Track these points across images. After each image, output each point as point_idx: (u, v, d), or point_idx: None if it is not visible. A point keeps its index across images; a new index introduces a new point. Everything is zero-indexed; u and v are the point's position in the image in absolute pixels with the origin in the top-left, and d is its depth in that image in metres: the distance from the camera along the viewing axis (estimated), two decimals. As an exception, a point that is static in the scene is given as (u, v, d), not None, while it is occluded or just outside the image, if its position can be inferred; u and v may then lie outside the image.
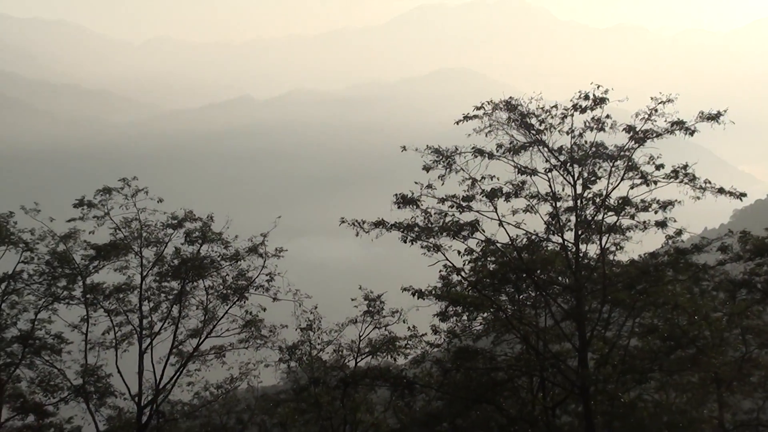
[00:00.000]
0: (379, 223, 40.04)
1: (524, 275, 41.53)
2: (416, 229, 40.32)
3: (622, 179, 44.95)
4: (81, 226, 45.84)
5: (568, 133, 45.17)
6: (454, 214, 40.84)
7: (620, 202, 44.45)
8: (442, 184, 45.24)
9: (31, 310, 48.47)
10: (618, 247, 47.39)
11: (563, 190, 45.25)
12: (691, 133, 43.47)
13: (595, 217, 44.84)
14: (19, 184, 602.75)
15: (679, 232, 44.31)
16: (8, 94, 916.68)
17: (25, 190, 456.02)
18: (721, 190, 42.65)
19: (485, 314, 44.10)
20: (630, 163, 44.35)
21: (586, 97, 44.54)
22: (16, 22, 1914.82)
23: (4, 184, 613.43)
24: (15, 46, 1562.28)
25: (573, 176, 44.46)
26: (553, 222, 44.87)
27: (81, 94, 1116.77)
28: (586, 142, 44.86)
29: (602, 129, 45.10)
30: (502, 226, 39.47)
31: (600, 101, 44.03)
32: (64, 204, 46.51)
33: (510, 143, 39.94)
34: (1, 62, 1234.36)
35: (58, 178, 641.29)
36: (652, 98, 44.04)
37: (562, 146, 44.82)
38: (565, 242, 45.25)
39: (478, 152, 39.13)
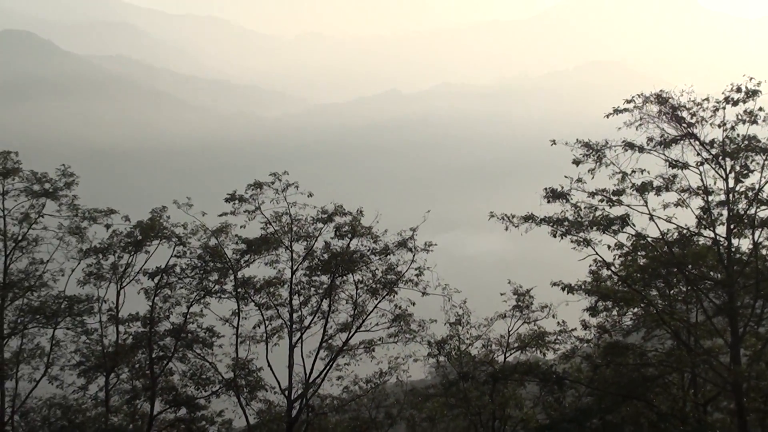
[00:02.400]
0: (529, 218, 48.41)
1: (675, 270, 49.62)
2: (566, 223, 49.36)
3: (777, 172, 49.24)
4: (232, 221, 55.01)
5: (719, 126, 50.68)
6: (604, 209, 49.12)
7: (775, 195, 49.37)
8: (592, 178, 54.14)
9: (183, 303, 64.66)
10: (772, 242, 51.61)
11: (715, 183, 51.42)
12: None
13: (748, 211, 51.04)
14: (171, 178, 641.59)
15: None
16: (161, 89, 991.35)
17: (177, 184, 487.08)
18: None
19: (635, 309, 52.09)
20: (785, 156, 48.73)
21: (738, 90, 50.00)
22: (169, 18, 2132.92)
23: (156, 178, 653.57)
24: (167, 42, 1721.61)
25: (725, 170, 50.54)
26: (705, 216, 53.09)
27: (232, 89, 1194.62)
28: (738, 135, 50.44)
29: (755, 122, 50.49)
30: (653, 220, 47.82)
31: (752, 93, 49.90)
32: (216, 198, 55.40)
33: (661, 137, 47.83)
34: (154, 58, 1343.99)
35: (209, 172, 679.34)
36: (808, 91, 49.43)
37: (713, 139, 51.09)
38: (717, 237, 51.95)
39: (629, 146, 47.04)
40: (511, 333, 59.79)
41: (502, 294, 59.90)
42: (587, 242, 52.99)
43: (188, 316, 62.48)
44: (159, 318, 62.22)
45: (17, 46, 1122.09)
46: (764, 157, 50.33)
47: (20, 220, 60.97)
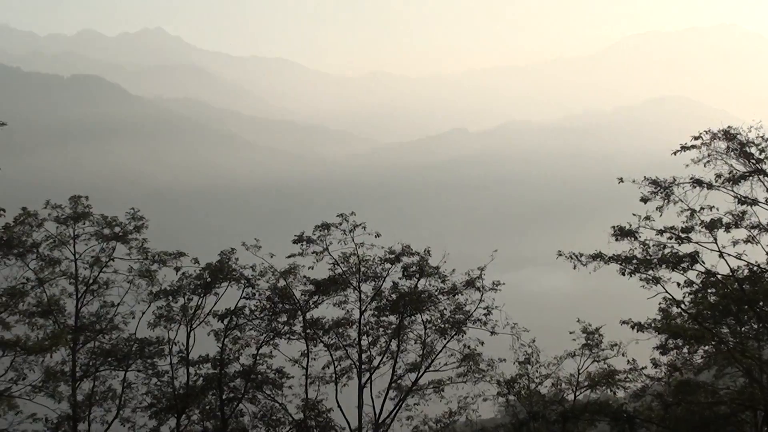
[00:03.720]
0: (597, 256, 48.40)
1: (746, 307, 48.83)
2: (634, 261, 49.16)
3: None
4: (300, 262, 55.19)
5: (789, 162, 53.38)
6: (672, 246, 46.57)
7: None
8: (660, 215, 49.04)
9: (253, 345, 60.20)
10: None
11: (785, 219, 46.14)
12: None
13: (820, 247, 45.90)
14: (239, 219, 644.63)
15: None
16: (228, 130, 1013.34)
17: (245, 225, 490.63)
18: None
19: (706, 347, 51.86)
20: None
21: (808, 125, 52.95)
22: (235, 60, 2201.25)
23: (224, 219, 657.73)
24: (234, 83, 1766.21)
25: (796, 205, 54.14)
26: (776, 252, 46.60)
27: (298, 129, 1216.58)
28: (808, 171, 53.19)
29: (825, 158, 52.93)
30: (723, 258, 47.77)
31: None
32: (283, 238, 55.99)
33: (729, 173, 46.13)
34: (221, 99, 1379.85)
35: (276, 213, 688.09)
36: None
37: (783, 175, 46.03)
38: (789, 273, 46.42)
39: (697, 182, 47.20)
40: (580, 372, 60.07)
41: (571, 332, 60.26)
42: (656, 280, 53.45)
43: (258, 358, 63.75)
44: (229, 359, 63.42)
45: (87, 90, 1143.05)
46: (835, 194, 49.91)
47: (91, 264, 62.41)
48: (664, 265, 52.21)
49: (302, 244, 60.77)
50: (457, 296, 60.94)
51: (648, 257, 52.46)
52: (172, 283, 62.73)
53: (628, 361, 58.82)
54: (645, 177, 52.43)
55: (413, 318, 61.48)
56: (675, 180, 51.63)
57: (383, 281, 61.63)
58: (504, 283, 60.24)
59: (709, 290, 54.90)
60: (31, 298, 61.06)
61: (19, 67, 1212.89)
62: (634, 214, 52.47)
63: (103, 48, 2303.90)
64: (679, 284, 53.85)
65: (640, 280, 53.36)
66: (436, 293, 61.22)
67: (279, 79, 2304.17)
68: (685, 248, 52.25)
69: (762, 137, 51.00)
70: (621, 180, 53.19)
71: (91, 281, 62.41)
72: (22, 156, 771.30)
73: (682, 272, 52.65)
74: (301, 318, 62.11)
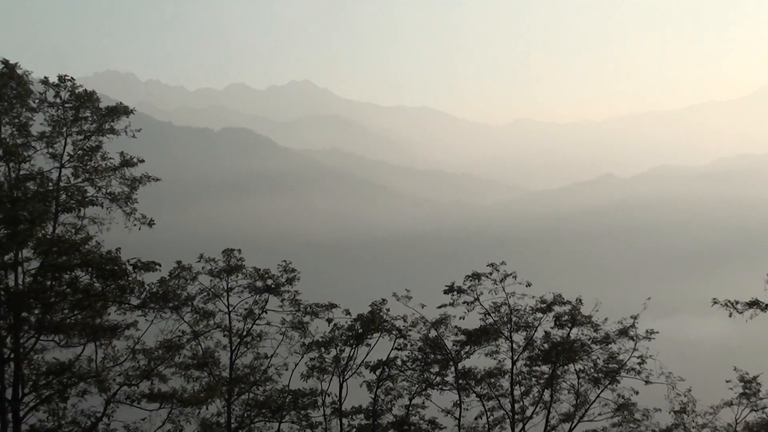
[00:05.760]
0: (754, 303, 46.70)
1: None
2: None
3: None
4: (451, 312, 55.00)
5: None
6: None
7: None
8: None
9: (405, 395, 57.49)
10: None
11: None
12: None
13: None
14: (388, 270, 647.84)
15: None
16: (376, 180, 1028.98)
17: (394, 276, 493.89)
18: None
19: None
20: None
21: None
22: (382, 110, 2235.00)
23: (374, 270, 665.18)
24: (381, 134, 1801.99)
25: None
26: None
27: (446, 178, 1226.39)
28: None
29: None
30: None
31: None
32: (433, 288, 56.27)
33: None
34: (369, 150, 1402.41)
35: (425, 263, 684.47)
36: None
37: None
38: None
39: None
40: (738, 421, 59.34)
41: (727, 381, 59.47)
42: (817, 327, 52.31)
43: (410, 408, 64.29)
44: (382, 410, 64.36)
45: (237, 143, 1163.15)
46: None
47: (245, 316, 64.25)
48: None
49: (453, 294, 61.76)
50: (610, 345, 60.65)
51: (807, 304, 51.37)
52: (324, 335, 64.47)
53: (788, 409, 57.74)
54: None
55: (566, 367, 61.48)
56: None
57: (535, 331, 62.06)
58: (658, 332, 59.91)
59: None
60: (186, 351, 63.55)
61: (170, 121, 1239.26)
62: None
63: (252, 101, 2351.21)
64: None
65: (800, 327, 52.61)
66: (589, 342, 61.05)
67: (425, 128, 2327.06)
68: None
69: None
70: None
71: (244, 333, 64.56)
72: (175, 210, 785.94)
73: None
74: (453, 368, 62.61)
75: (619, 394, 61.78)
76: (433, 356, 64.17)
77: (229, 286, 64.91)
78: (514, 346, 62.83)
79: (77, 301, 55.21)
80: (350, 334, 64.63)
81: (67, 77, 58.84)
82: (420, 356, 64.35)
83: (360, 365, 64.89)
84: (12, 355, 55.17)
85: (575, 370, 63.00)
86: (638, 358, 61.50)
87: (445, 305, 63.19)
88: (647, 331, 61.52)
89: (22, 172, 56.73)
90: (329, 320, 65.31)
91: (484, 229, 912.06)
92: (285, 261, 67.44)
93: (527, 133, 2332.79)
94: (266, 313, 65.99)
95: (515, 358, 62.80)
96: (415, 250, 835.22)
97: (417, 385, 64.51)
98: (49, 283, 54.29)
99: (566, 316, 62.17)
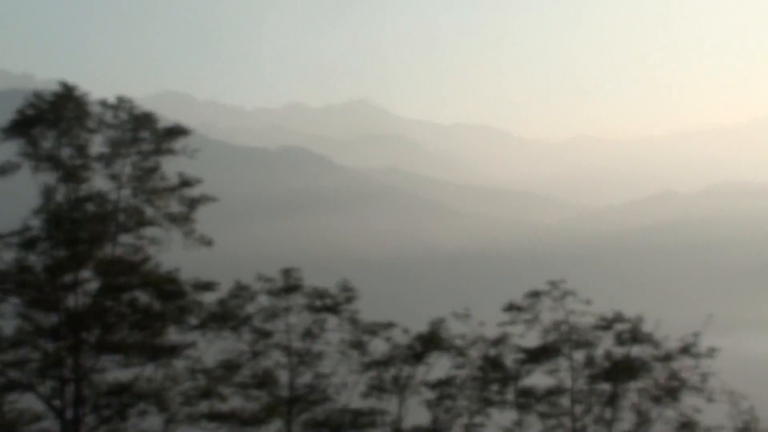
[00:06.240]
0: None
1: None
2: None
3: None
4: (511, 330, 54.18)
5: None
6: None
7: None
8: None
9: (465, 415, 56.84)
10: None
11: None
12: None
13: None
14: (447, 288, 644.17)
15: None
16: (433, 199, 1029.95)
17: (453, 294, 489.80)
18: None
19: None
20: None
21: None
22: (439, 128, 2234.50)
23: (432, 288, 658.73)
24: (439, 152, 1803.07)
25: None
26: None
27: (504, 196, 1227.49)
28: None
29: None
30: None
31: None
32: (492, 305, 56.64)
33: None
34: (426, 168, 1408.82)
35: (483, 281, 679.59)
36: None
37: None
38: None
39: None
40: (803, 439, 58.16)
41: (792, 399, 58.55)
42: None
43: (470, 428, 63.51)
44: (441, 429, 63.58)
45: (294, 162, 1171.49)
46: None
47: (303, 336, 63.89)
48: None
49: (512, 312, 61.37)
50: (671, 363, 60.12)
51: None
52: (383, 354, 63.75)
53: None
54: None
55: (627, 386, 60.99)
56: None
57: (595, 348, 61.33)
58: (720, 349, 59.16)
59: None
60: (245, 370, 63.20)
61: (227, 141, 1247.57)
62: None
63: (309, 120, 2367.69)
64: None
65: None
66: (650, 360, 60.55)
67: (483, 146, 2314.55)
68: None
69: None
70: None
71: (303, 353, 63.99)
72: (233, 229, 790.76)
73: None
74: (513, 387, 62.19)
75: (682, 412, 60.84)
76: (492, 375, 63.92)
77: (288, 305, 65.86)
78: (574, 364, 62.50)
79: (137, 321, 55.83)
80: (409, 352, 64.43)
81: (125, 98, 59.55)
82: (479, 375, 63.96)
83: (419, 384, 64.32)
84: (72, 376, 55.90)
85: (636, 388, 62.19)
86: (700, 375, 60.78)
87: (504, 323, 63.06)
88: (709, 349, 61.05)
89: (81, 193, 57.59)
90: (388, 339, 65.24)
91: (543, 247, 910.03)
92: (344, 279, 67.77)
93: (587, 149, 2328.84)
94: (325, 332, 65.94)
95: (576, 376, 62.39)
96: (474, 268, 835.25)
97: (477, 404, 63.89)
98: (108, 303, 54.91)
99: (627, 334, 61.52)
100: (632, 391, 63.24)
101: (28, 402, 57.82)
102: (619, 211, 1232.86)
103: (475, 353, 64.39)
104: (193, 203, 61.19)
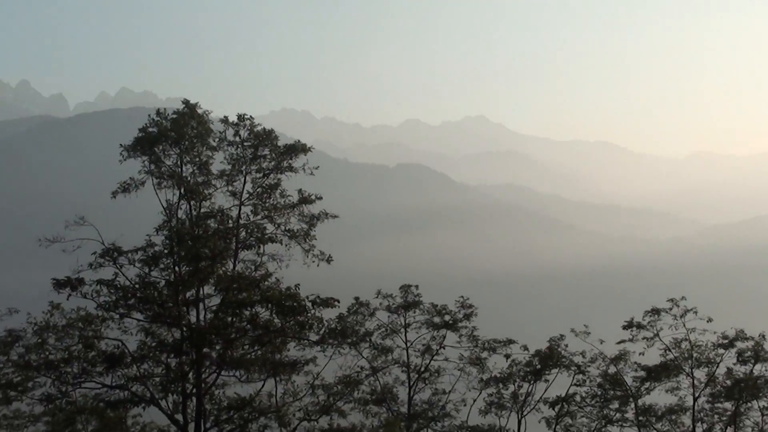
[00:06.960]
0: None
1: None
2: None
3: None
4: (630, 347, 53.68)
5: None
6: None
7: None
8: None
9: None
10: None
11: None
12: None
13: None
14: (567, 305, 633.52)
15: None
16: (550, 215, 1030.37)
17: (569, 311, 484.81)
18: None
19: None
20: None
21: None
22: (556, 145, 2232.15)
23: (549, 304, 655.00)
24: (555, 168, 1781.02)
25: None
26: None
27: (622, 212, 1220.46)
28: None
29: None
30: None
31: None
32: (611, 323, 55.67)
33: None
34: (543, 184, 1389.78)
35: (601, 298, 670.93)
36: None
37: None
38: None
39: None
40: None
41: None
42: None
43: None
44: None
45: (412, 178, 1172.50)
46: None
47: (422, 352, 64.41)
48: None
49: (632, 330, 61.01)
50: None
51: None
52: (502, 370, 64.13)
53: None
54: None
55: (750, 404, 60.16)
56: None
57: (717, 367, 60.71)
58: None
59: None
60: (365, 386, 64.24)
61: (346, 158, 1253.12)
62: None
63: (426, 137, 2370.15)
64: None
65: None
66: (774, 379, 59.57)
67: (601, 162, 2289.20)
68: None
69: None
70: None
71: (422, 369, 64.70)
72: (352, 245, 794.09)
73: None
74: (632, 405, 61.77)
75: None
76: (612, 392, 63.64)
77: (406, 321, 65.52)
78: (695, 382, 62.02)
79: (257, 337, 56.48)
80: (528, 369, 64.53)
81: (245, 116, 60.29)
82: (599, 392, 63.90)
83: (538, 401, 64.57)
84: (194, 390, 56.73)
85: (759, 407, 61.69)
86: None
87: (624, 341, 62.84)
88: (834, 368, 59.82)
89: (203, 210, 58.56)
90: (507, 356, 65.24)
91: (661, 264, 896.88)
92: (462, 297, 67.71)
93: (706, 165, 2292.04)
94: (444, 348, 66.35)
95: (697, 394, 61.83)
96: (592, 285, 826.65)
97: (596, 422, 63.89)
98: (229, 319, 55.70)
99: (749, 352, 60.82)
100: (755, 410, 62.27)
101: (151, 416, 58.94)
102: (738, 227, 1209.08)
103: (594, 371, 64.52)
104: (312, 220, 61.83)
